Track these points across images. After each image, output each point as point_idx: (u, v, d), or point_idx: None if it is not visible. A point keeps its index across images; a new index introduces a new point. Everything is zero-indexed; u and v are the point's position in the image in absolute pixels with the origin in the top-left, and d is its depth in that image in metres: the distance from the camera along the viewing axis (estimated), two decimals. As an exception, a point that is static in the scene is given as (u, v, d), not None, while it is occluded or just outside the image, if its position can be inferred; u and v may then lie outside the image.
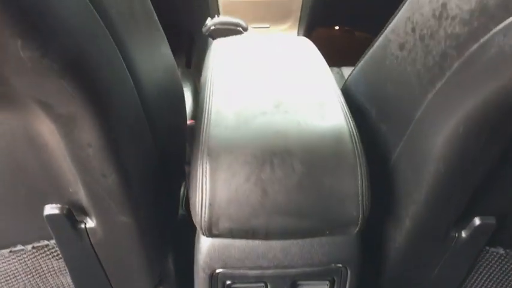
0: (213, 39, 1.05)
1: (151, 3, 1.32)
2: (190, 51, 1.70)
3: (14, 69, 0.29)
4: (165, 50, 0.56)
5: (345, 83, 0.64)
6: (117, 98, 0.38)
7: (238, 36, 0.75)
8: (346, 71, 1.13)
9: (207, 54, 0.74)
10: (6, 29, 0.26)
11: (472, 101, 0.34)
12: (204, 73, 0.66)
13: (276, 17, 1.22)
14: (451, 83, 0.36)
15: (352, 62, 1.60)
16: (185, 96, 1.01)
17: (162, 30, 0.52)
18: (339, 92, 0.56)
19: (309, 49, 0.70)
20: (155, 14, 0.49)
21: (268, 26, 1.23)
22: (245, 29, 0.99)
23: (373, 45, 0.53)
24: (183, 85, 1.05)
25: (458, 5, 0.34)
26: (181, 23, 1.62)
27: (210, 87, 0.56)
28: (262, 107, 0.48)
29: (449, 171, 0.38)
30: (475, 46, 0.32)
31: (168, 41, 1.72)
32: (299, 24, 1.23)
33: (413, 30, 0.41)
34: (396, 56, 0.44)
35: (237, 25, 0.98)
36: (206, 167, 0.42)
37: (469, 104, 0.34)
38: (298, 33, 1.25)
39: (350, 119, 0.49)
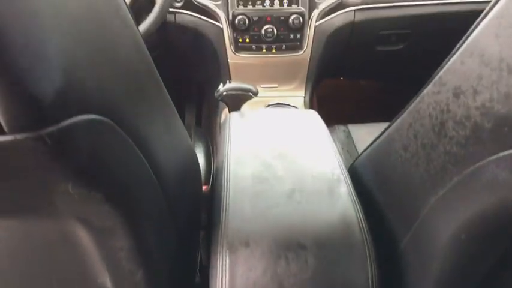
0: (225, 103, 1.11)
1: (164, 59, 1.38)
2: (201, 105, 1.76)
3: (61, 198, 0.33)
4: (177, 123, 0.57)
5: (352, 164, 0.67)
6: (146, 202, 0.42)
7: (252, 112, 0.80)
8: (353, 128, 1.17)
9: (223, 126, 0.79)
10: (60, 173, 0.30)
11: (472, 213, 0.37)
12: (221, 149, 0.70)
13: (284, 77, 1.28)
14: (452, 193, 0.39)
15: (358, 116, 1.64)
16: (198, 157, 1.05)
17: (170, 99, 0.53)
18: (347, 175, 0.60)
19: (317, 125, 0.75)
20: (162, 83, 0.50)
21: (276, 85, 1.29)
22: (255, 94, 1.05)
23: (379, 137, 0.57)
24: (196, 145, 1.10)
25: (455, 128, 0.38)
26: (192, 77, 1.70)
27: (227, 169, 0.60)
28: (277, 197, 0.52)
29: (454, 270, 0.41)
30: (472, 168, 0.36)
31: (179, 94, 1.80)
32: (306, 81, 1.29)
33: (415, 136, 0.45)
34: (400, 154, 0.48)
35: (248, 91, 1.04)
36: (226, 261, 0.46)
37: (470, 215, 0.38)
38: (305, 90, 1.30)
39: (358, 207, 0.52)
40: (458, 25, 1.36)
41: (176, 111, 0.55)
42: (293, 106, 1.24)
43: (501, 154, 0.33)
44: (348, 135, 1.14)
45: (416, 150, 0.45)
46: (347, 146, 1.10)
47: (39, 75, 0.25)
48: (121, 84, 0.36)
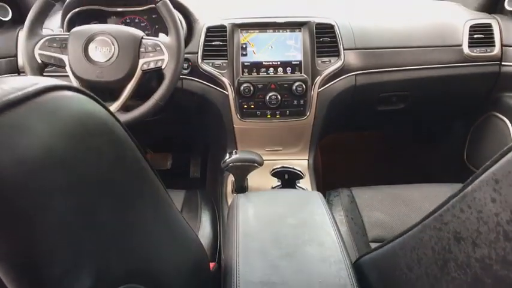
0: (231, 173, 1.13)
1: (170, 119, 1.38)
2: (206, 158, 1.79)
3: None
4: (178, 217, 0.55)
5: (356, 261, 0.69)
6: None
7: (258, 195, 0.82)
8: (356, 192, 1.19)
9: (231, 211, 0.81)
10: None
11: None
12: (229, 240, 0.72)
13: (288, 141, 1.31)
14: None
15: (361, 178, 1.65)
16: (204, 226, 1.07)
17: (165, 190, 0.51)
18: (352, 275, 0.61)
19: (322, 212, 0.77)
20: (155, 173, 0.48)
21: (281, 148, 1.32)
22: (260, 164, 1.07)
23: (384, 245, 0.59)
24: (203, 212, 1.12)
25: (457, 271, 0.39)
26: (197, 134, 1.73)
27: (236, 270, 0.61)
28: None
29: None
30: None
31: (184, 151, 1.82)
32: (310, 144, 1.32)
33: (419, 262, 0.47)
34: (405, 273, 0.50)
35: (253, 161, 1.06)
36: None
37: None
38: (309, 153, 1.32)
39: None
40: (455, 86, 1.40)
41: (174, 205, 0.55)
42: (298, 170, 1.26)
43: None
44: (352, 199, 1.16)
45: (421, 275, 0.46)
46: (351, 213, 1.11)
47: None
48: None
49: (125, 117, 1.06)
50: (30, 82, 0.28)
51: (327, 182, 1.24)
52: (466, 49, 1.35)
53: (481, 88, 1.43)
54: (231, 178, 1.19)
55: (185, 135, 1.77)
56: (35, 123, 0.26)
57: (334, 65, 1.25)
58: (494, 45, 1.36)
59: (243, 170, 1.08)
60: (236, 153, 1.07)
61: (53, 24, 1.31)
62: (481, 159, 1.55)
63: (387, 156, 1.89)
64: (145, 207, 0.43)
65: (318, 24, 1.24)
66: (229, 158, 1.06)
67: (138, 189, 0.42)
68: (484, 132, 1.52)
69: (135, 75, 1.06)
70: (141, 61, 1.07)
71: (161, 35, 1.15)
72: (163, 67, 1.07)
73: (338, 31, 1.26)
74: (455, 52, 1.35)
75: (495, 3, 1.43)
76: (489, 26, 1.37)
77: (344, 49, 1.26)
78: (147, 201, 0.44)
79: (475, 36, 1.36)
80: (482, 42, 1.36)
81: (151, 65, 1.07)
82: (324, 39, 1.25)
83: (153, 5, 1.07)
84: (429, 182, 1.75)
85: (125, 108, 1.08)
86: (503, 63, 1.36)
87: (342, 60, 1.25)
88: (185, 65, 1.25)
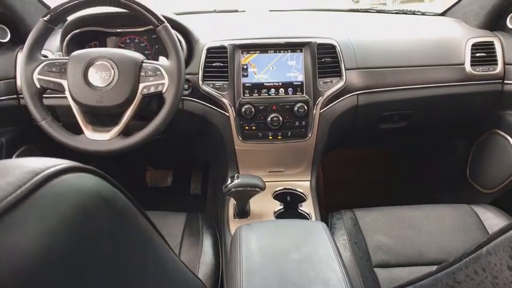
0: (233, 198, 1.12)
1: (170, 139, 1.36)
2: (206, 178, 1.78)
3: None
4: (182, 273, 0.55)
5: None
6: None
7: (262, 226, 0.80)
8: (359, 214, 1.17)
9: (234, 243, 0.79)
10: None
11: None
12: (232, 277, 0.71)
13: (290, 162, 1.30)
14: None
15: (363, 198, 1.64)
16: (206, 251, 1.05)
17: (171, 249, 0.51)
18: None
19: (325, 243, 0.75)
20: (160, 234, 0.48)
21: (282, 169, 1.30)
22: (262, 189, 1.06)
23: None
24: (204, 236, 1.10)
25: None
26: (198, 153, 1.72)
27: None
28: None
29: None
30: None
31: (185, 168, 1.80)
32: (312, 165, 1.31)
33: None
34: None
35: (255, 186, 1.05)
36: None
37: None
38: (311, 173, 1.31)
39: None
40: (458, 104, 1.39)
41: (178, 262, 0.54)
42: (300, 192, 1.24)
43: None
44: (355, 222, 1.14)
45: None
46: (355, 237, 1.09)
47: None
48: None
49: (124, 142, 1.05)
50: (31, 173, 0.27)
51: (329, 202, 1.23)
52: (468, 68, 1.34)
53: (483, 106, 1.42)
54: (232, 201, 1.17)
55: (186, 152, 1.75)
56: (33, 223, 0.25)
57: (336, 85, 1.24)
58: (496, 64, 1.35)
59: (245, 194, 1.07)
60: (238, 177, 1.06)
61: (53, 45, 1.30)
62: (483, 177, 1.54)
63: (389, 173, 1.88)
64: (147, 277, 0.41)
65: (319, 44, 1.23)
66: (231, 183, 1.05)
67: (141, 262, 0.40)
68: (487, 150, 1.51)
69: (135, 100, 1.05)
70: (141, 85, 1.05)
71: (161, 59, 1.14)
72: (163, 91, 1.05)
73: (339, 51, 1.25)
74: (457, 71, 1.34)
75: (496, 20, 1.42)
76: (491, 44, 1.37)
77: (346, 69, 1.25)
78: (150, 270, 0.42)
79: (477, 54, 1.35)
80: (485, 60, 1.35)
81: (152, 90, 1.06)
82: (325, 59, 1.24)
83: (153, 27, 1.06)
84: (432, 200, 1.75)
85: (125, 131, 1.07)
86: (505, 81, 1.35)
87: (344, 80, 1.24)
88: (186, 86, 1.24)
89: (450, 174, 1.70)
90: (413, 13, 1.67)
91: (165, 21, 1.06)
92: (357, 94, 1.29)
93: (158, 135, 1.08)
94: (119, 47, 1.32)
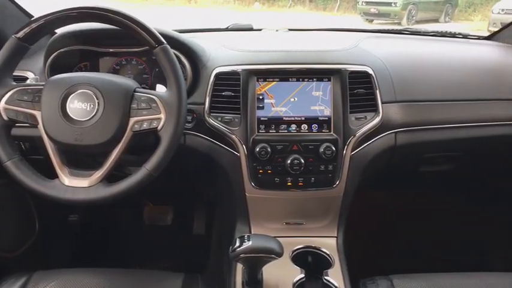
0: (242, 264, 0.89)
1: (170, 175, 1.12)
2: (212, 216, 1.56)
3: None
4: None
5: None
6: None
7: None
8: (398, 283, 0.94)
9: None
10: None
11: None
12: None
13: (313, 213, 1.07)
14: None
15: (400, 254, 1.40)
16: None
17: None
18: None
19: None
20: None
21: (303, 222, 1.08)
22: (279, 255, 0.83)
23: None
24: None
25: None
26: (203, 191, 1.51)
27: None
28: None
29: None
30: None
31: (188, 205, 1.54)
32: (339, 219, 1.08)
33: None
34: None
35: (270, 252, 0.82)
36: None
37: None
38: (338, 229, 1.08)
39: None
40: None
41: None
42: (325, 253, 1.01)
43: None
44: None
45: None
46: None
47: None
48: None
49: (107, 191, 0.83)
50: None
51: (361, 268, 1.00)
52: (527, 103, 1.11)
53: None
54: (241, 266, 0.95)
55: (189, 188, 1.53)
56: None
57: (371, 122, 1.02)
58: None
59: (257, 261, 0.85)
60: (249, 239, 0.83)
61: (36, 66, 1.11)
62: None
63: (426, 217, 1.63)
64: None
65: (351, 72, 1.02)
66: (239, 246, 0.82)
67: None
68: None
69: (124, 138, 0.84)
70: (132, 120, 0.85)
71: (159, 87, 0.93)
72: (159, 128, 0.84)
73: (375, 80, 1.03)
74: (512, 106, 1.12)
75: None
76: (556, 75, 1.14)
77: (383, 102, 1.03)
78: None
79: (539, 88, 1.12)
80: (548, 95, 1.13)
81: (145, 126, 0.85)
82: (358, 90, 1.02)
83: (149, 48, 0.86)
84: (482, 254, 1.49)
85: (110, 177, 0.86)
86: None
87: (381, 115, 1.02)
88: (189, 118, 1.03)
89: (499, 227, 1.45)
90: (454, 36, 1.45)
91: (164, 42, 0.85)
92: (395, 132, 1.06)
93: (151, 180, 0.87)
94: (114, 69, 1.12)
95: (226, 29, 1.47)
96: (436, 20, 9.36)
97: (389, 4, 9.11)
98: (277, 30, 1.39)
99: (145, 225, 1.59)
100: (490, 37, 1.40)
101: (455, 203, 1.60)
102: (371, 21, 9.26)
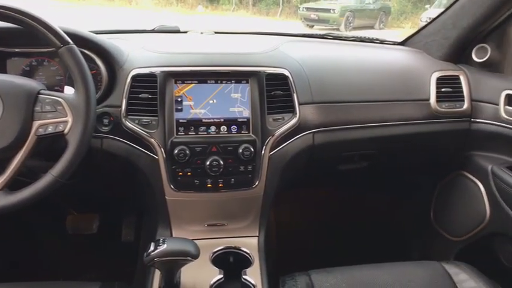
0: (157, 269, 0.88)
1: (90, 182, 1.07)
2: (140, 226, 1.52)
3: None
4: None
5: None
6: None
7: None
8: (316, 278, 0.98)
9: None
10: None
11: None
12: None
13: (234, 214, 1.08)
14: None
15: (320, 249, 1.45)
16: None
17: None
18: None
19: None
20: None
21: (225, 223, 1.08)
22: (195, 257, 0.83)
23: None
24: None
25: None
26: (130, 200, 1.46)
27: None
28: None
29: None
30: None
31: (116, 212, 1.49)
32: (260, 218, 1.09)
33: None
34: None
35: (186, 254, 0.81)
36: None
37: None
38: (259, 228, 1.10)
39: None
40: (424, 144, 1.25)
41: None
42: (245, 253, 1.02)
43: None
44: None
45: None
46: None
47: None
48: None
49: (8, 200, 0.78)
50: None
51: (281, 258, 1.02)
52: (433, 104, 1.20)
53: (450, 146, 1.29)
54: (158, 275, 0.93)
55: (116, 193, 1.48)
56: None
57: (289, 122, 1.04)
58: (463, 100, 1.23)
59: (172, 265, 0.83)
60: (164, 242, 0.82)
61: None
62: (450, 223, 1.40)
63: (347, 216, 1.70)
64: None
65: (268, 74, 1.04)
66: (153, 250, 0.81)
67: None
68: (452, 193, 1.37)
69: (27, 143, 0.80)
70: (35, 124, 0.80)
71: (67, 89, 0.90)
72: (65, 132, 0.81)
73: (292, 82, 1.06)
74: (422, 107, 1.20)
75: (461, 52, 1.31)
76: (457, 78, 1.25)
77: (300, 103, 1.07)
78: None
79: (443, 89, 1.22)
80: (451, 96, 1.23)
81: (50, 129, 0.81)
82: (276, 92, 1.05)
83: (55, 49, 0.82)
84: (403, 245, 1.59)
85: (11, 184, 0.80)
86: (473, 119, 1.23)
87: (298, 116, 1.05)
88: (106, 121, 0.99)
89: (415, 217, 1.55)
90: (372, 41, 1.54)
91: (70, 42, 0.82)
92: (313, 132, 1.10)
93: (58, 187, 0.83)
94: (23, 71, 1.05)
95: (152, 31, 1.45)
96: (371, 27, 9.87)
97: (328, 11, 9.48)
98: (202, 33, 1.39)
99: (68, 235, 1.51)
100: (403, 42, 1.49)
101: (376, 199, 1.69)
102: (311, 26, 9.56)
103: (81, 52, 0.88)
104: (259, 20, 10.45)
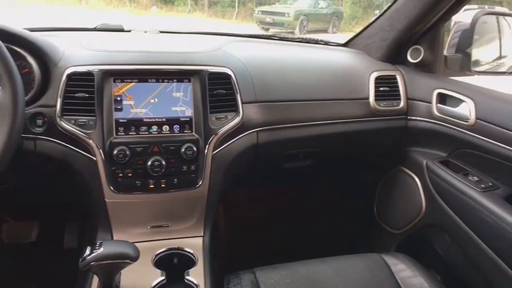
0: (94, 274, 0.85)
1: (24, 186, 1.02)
2: (83, 231, 1.46)
3: None
4: None
5: None
6: None
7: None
8: (261, 275, 0.99)
9: None
10: None
11: None
12: None
13: (178, 214, 1.06)
14: None
15: (266, 245, 1.46)
16: None
17: None
18: None
19: None
20: None
21: (168, 224, 1.06)
22: (134, 259, 0.81)
23: None
24: None
25: None
26: (72, 204, 1.40)
27: None
28: None
29: None
30: None
31: (58, 219, 1.42)
32: (205, 218, 1.09)
33: None
34: None
35: (124, 257, 0.79)
36: None
37: None
38: (204, 228, 1.09)
39: None
40: (365, 141, 1.30)
41: None
42: (189, 253, 1.01)
43: None
44: (257, 287, 0.95)
45: None
46: None
47: None
48: None
49: None
50: None
51: (228, 257, 1.02)
52: (372, 102, 1.26)
53: (389, 142, 1.35)
54: (96, 281, 0.90)
55: (57, 198, 1.42)
56: None
57: (232, 121, 1.05)
58: (399, 99, 1.29)
59: (110, 269, 0.81)
60: (101, 246, 0.79)
61: None
62: (391, 216, 1.46)
63: (294, 212, 1.73)
64: None
65: (211, 73, 1.04)
66: (89, 254, 0.78)
67: None
68: (393, 188, 1.44)
69: None
70: None
71: (-8, 87, 0.84)
72: None
73: (235, 82, 1.07)
74: (362, 106, 1.25)
75: (397, 54, 1.37)
76: (393, 78, 1.31)
77: (243, 102, 1.07)
78: None
79: (381, 88, 1.28)
80: (388, 95, 1.28)
81: None
82: (218, 91, 1.05)
83: None
84: (344, 241, 1.63)
85: None
86: (409, 117, 1.29)
87: (241, 115, 1.06)
88: (39, 122, 0.95)
89: (360, 214, 1.61)
90: (317, 42, 1.58)
91: None
92: (257, 131, 1.12)
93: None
94: None
95: (94, 29, 1.40)
96: (325, 31, 10.14)
97: (282, 14, 9.63)
98: (145, 32, 1.36)
99: (4, 244, 1.42)
100: (346, 44, 1.55)
101: (323, 196, 1.73)
102: (267, 29, 9.67)
103: (10, 49, 0.83)
104: (215, 23, 10.41)
